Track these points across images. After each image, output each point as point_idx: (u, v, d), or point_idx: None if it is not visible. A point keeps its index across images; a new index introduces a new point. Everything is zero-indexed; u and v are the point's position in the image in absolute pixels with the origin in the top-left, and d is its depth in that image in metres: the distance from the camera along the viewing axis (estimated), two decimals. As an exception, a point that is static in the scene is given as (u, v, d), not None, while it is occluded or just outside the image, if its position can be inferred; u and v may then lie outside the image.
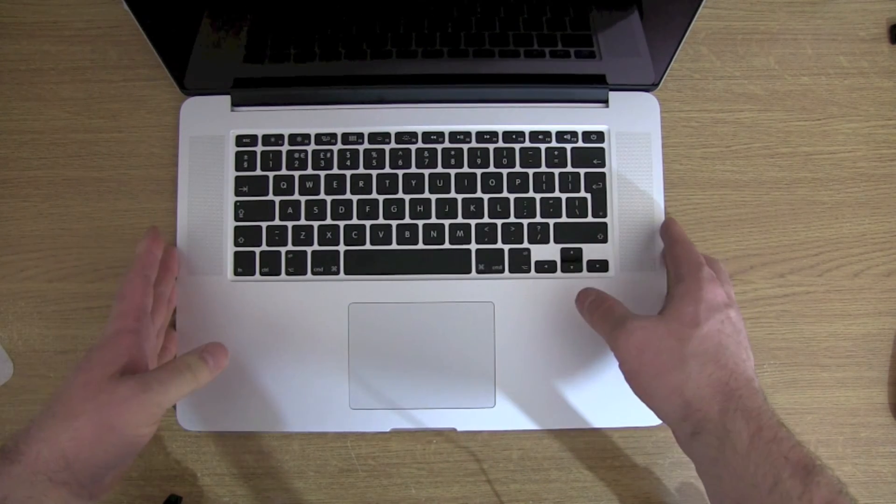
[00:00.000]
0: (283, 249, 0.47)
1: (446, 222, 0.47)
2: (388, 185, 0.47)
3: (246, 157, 0.48)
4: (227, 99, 0.48)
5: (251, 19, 0.43)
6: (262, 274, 0.47)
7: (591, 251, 0.47)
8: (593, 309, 0.42)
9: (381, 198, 0.47)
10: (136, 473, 0.47)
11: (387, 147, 0.48)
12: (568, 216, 0.47)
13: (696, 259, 0.41)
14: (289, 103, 0.48)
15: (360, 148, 0.48)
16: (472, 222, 0.47)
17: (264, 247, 0.47)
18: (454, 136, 0.48)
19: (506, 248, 0.47)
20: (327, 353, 0.46)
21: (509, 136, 0.48)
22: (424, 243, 0.47)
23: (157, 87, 0.50)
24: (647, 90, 0.49)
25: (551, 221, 0.47)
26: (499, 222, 0.47)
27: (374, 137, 0.48)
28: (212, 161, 0.48)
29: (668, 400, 0.37)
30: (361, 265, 0.47)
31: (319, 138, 0.48)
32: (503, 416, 0.46)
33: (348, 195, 0.47)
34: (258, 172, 0.48)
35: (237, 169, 0.48)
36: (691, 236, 0.48)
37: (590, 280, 0.47)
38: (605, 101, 0.48)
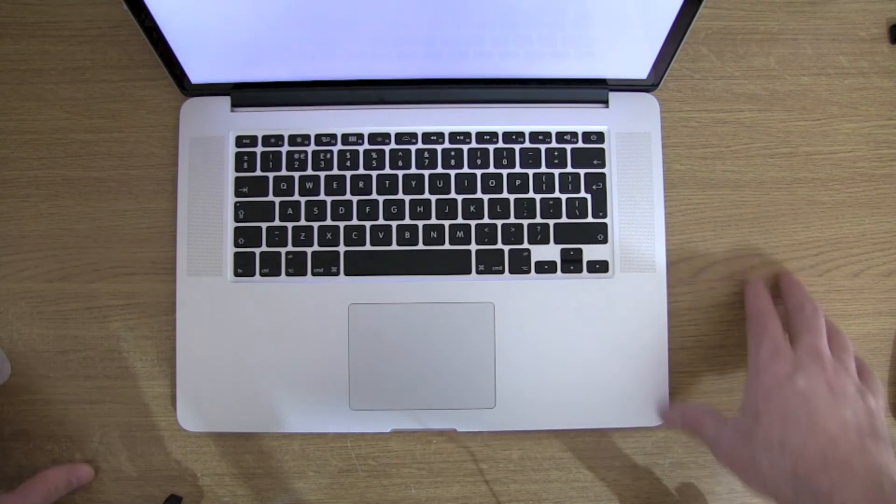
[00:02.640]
0: (283, 250, 0.47)
1: (446, 223, 0.47)
2: (387, 185, 0.47)
3: (246, 157, 0.48)
4: (226, 100, 0.48)
5: (251, 20, 0.43)
6: (262, 275, 0.47)
7: (591, 252, 0.47)
8: (686, 425, 0.44)
9: (381, 198, 0.47)
10: (136, 473, 0.47)
11: (387, 148, 0.48)
12: (568, 217, 0.47)
13: (756, 336, 0.41)
14: (288, 104, 0.48)
15: (360, 149, 0.48)
16: (472, 223, 0.47)
17: (264, 247, 0.47)
18: (454, 137, 0.48)
19: (506, 248, 0.47)
20: (327, 354, 0.46)
21: (509, 136, 0.48)
22: (424, 244, 0.47)
23: (157, 87, 0.50)
24: (647, 90, 0.49)
25: (551, 222, 0.47)
26: (499, 223, 0.47)
27: (373, 138, 0.48)
28: (212, 162, 0.48)
29: (763, 495, 0.38)
30: (361, 266, 0.47)
31: (319, 139, 0.48)
32: (503, 416, 0.46)
33: (348, 196, 0.47)
34: (258, 173, 0.48)
35: (237, 170, 0.48)
36: (691, 236, 0.49)
37: (590, 280, 0.47)
38: (605, 102, 0.48)
